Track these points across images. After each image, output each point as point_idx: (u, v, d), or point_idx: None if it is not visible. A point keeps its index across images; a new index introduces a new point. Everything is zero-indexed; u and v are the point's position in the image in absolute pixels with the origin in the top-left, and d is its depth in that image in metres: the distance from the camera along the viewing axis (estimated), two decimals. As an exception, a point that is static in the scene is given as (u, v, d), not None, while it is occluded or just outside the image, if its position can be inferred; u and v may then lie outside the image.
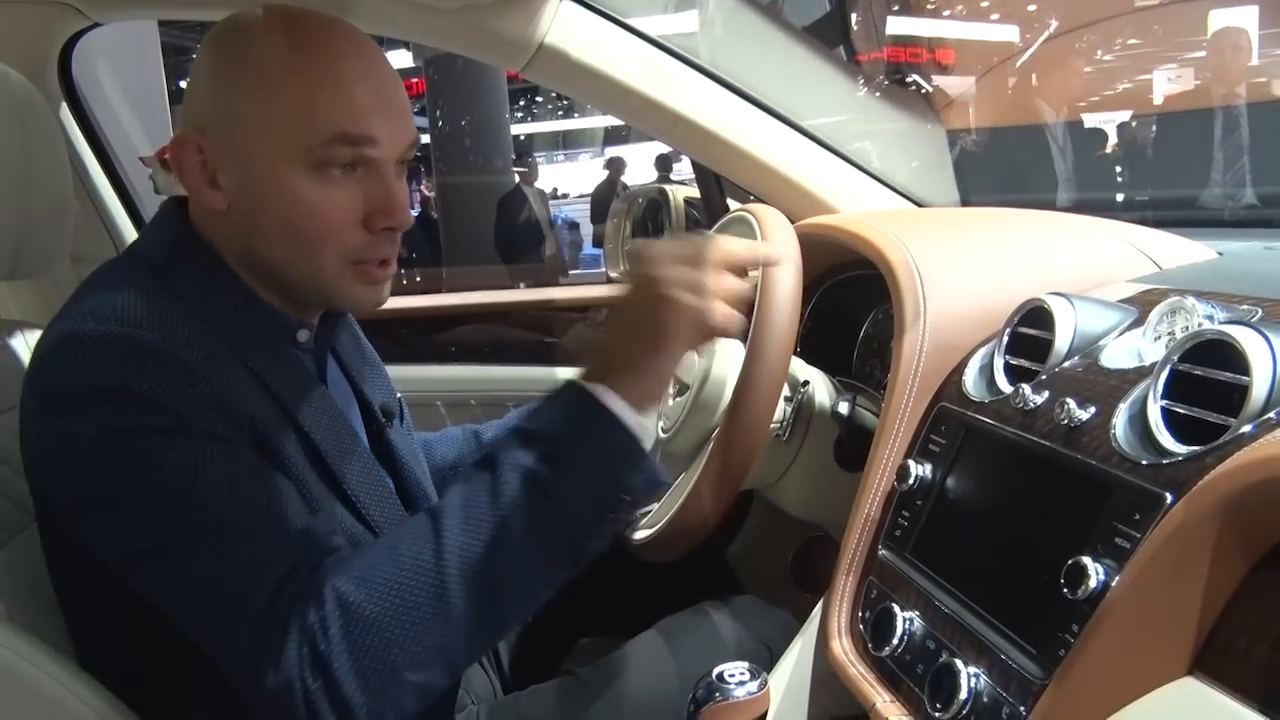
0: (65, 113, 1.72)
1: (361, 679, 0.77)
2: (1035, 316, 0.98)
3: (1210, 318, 0.84)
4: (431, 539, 0.81)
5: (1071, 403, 0.83)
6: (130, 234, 1.82)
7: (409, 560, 0.80)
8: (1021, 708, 0.75)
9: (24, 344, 1.15)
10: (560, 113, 19.32)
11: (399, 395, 1.20)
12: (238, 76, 0.91)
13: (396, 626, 0.78)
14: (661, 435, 1.26)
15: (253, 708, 0.79)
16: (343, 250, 0.93)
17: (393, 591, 0.79)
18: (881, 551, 1.01)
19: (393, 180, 0.94)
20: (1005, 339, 1.00)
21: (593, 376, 0.87)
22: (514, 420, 0.88)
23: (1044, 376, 0.93)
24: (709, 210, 1.93)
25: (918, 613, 0.92)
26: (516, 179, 8.51)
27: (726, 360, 1.20)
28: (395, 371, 1.24)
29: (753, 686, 0.81)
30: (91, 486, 0.84)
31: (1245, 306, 0.87)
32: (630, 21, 1.48)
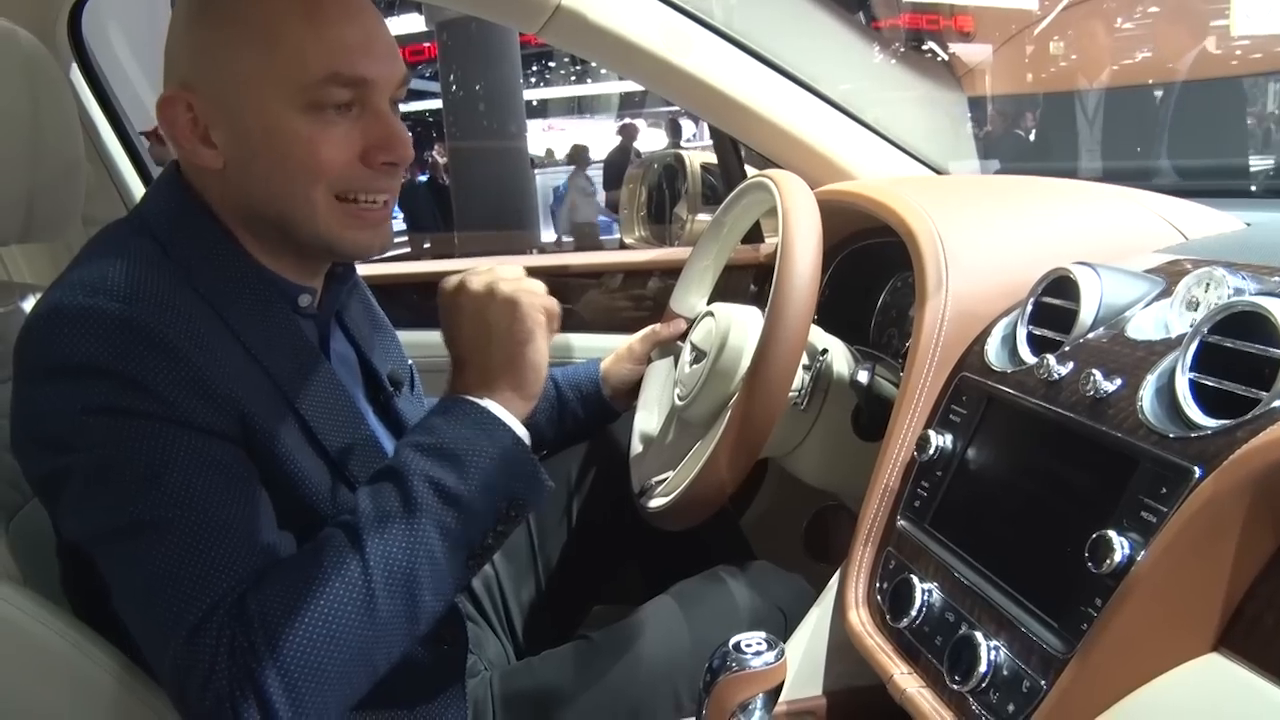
0: (76, 73, 1.71)
1: (292, 695, 0.78)
2: (1060, 286, 0.97)
3: (1240, 289, 0.82)
4: (354, 549, 0.83)
5: (1097, 374, 0.82)
6: (141, 196, 1.81)
7: (334, 571, 0.82)
8: (1042, 681, 0.74)
9: (36, 307, 1.15)
10: (573, 78, 19.20)
11: (410, 361, 1.19)
12: (221, 28, 0.90)
13: (326, 639, 0.80)
14: (678, 403, 1.25)
15: None
16: (333, 182, 0.92)
17: (321, 604, 0.80)
18: (900, 522, 1.00)
19: (389, 115, 0.94)
20: (1029, 309, 0.99)
21: (475, 389, 0.93)
22: (410, 435, 0.92)
23: (1068, 347, 0.91)
24: (726, 176, 1.92)
25: (937, 584, 0.91)
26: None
27: (744, 328, 1.19)
28: (408, 337, 1.24)
29: (769, 657, 0.80)
30: (62, 461, 0.83)
31: (1276, 278, 0.85)
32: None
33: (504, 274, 0.96)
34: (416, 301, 1.91)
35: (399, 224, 10.14)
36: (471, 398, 0.92)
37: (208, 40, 0.91)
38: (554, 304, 0.98)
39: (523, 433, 0.92)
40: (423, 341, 1.43)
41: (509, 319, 0.94)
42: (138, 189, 1.82)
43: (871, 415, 1.22)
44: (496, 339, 0.94)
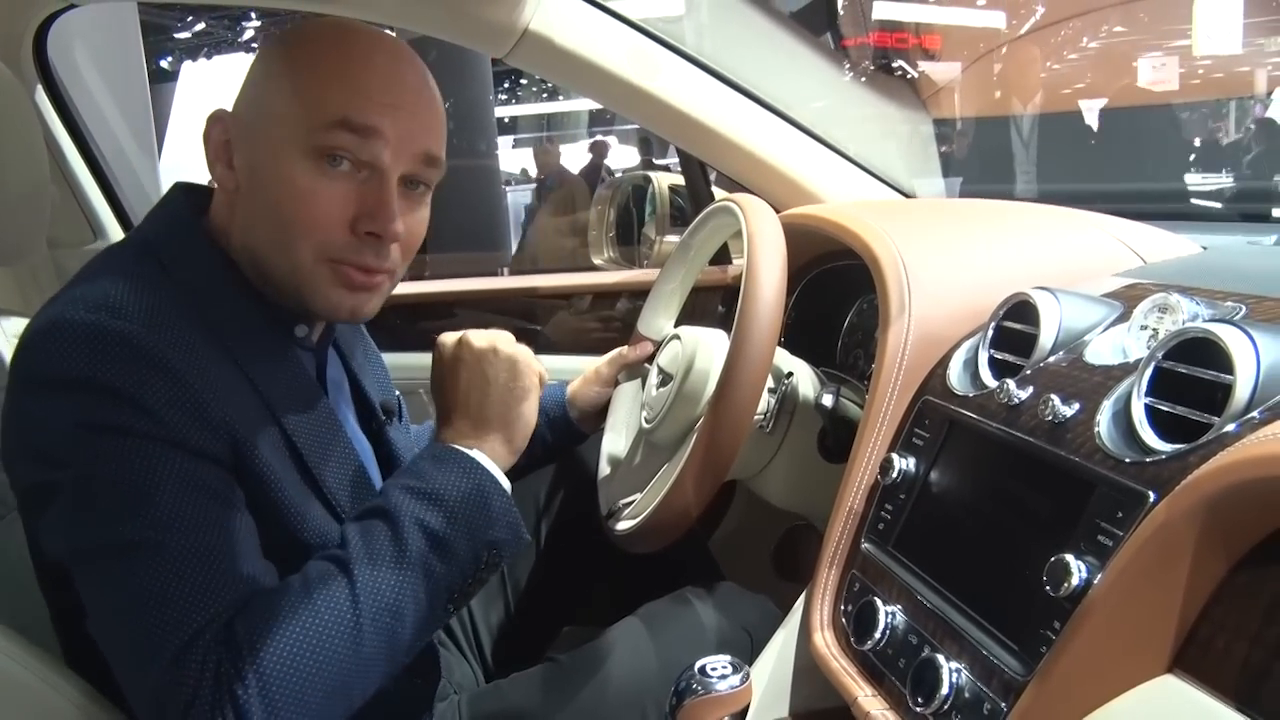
0: (41, 96, 1.70)
1: None
2: (1020, 311, 0.98)
3: (1194, 314, 0.84)
4: (345, 581, 0.84)
5: (1055, 399, 0.83)
6: (108, 219, 1.80)
7: (323, 602, 0.82)
8: (1003, 704, 0.75)
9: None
10: (545, 95, 19.21)
11: (397, 392, 1.20)
12: (268, 63, 0.95)
13: (313, 670, 0.80)
14: (645, 425, 1.26)
15: None
16: (321, 245, 0.93)
17: (310, 633, 0.80)
18: (864, 545, 1.00)
19: (390, 189, 0.93)
20: (990, 333, 1.00)
21: (465, 438, 0.97)
22: (399, 478, 0.95)
23: (1028, 371, 0.93)
24: (694, 198, 1.93)
25: (900, 607, 0.92)
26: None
27: (710, 351, 1.20)
28: (388, 360, 1.24)
29: (735, 680, 0.81)
30: (52, 475, 0.83)
31: (1229, 303, 0.87)
32: (615, 7, 1.47)
33: (502, 336, 1.02)
34: (397, 325, 1.91)
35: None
36: (461, 447, 0.95)
37: (257, 72, 0.96)
38: (544, 369, 1.05)
39: (506, 485, 0.96)
40: (401, 364, 1.43)
41: (510, 375, 1.00)
42: (105, 213, 1.80)
43: (837, 438, 1.24)
44: (495, 392, 0.99)
